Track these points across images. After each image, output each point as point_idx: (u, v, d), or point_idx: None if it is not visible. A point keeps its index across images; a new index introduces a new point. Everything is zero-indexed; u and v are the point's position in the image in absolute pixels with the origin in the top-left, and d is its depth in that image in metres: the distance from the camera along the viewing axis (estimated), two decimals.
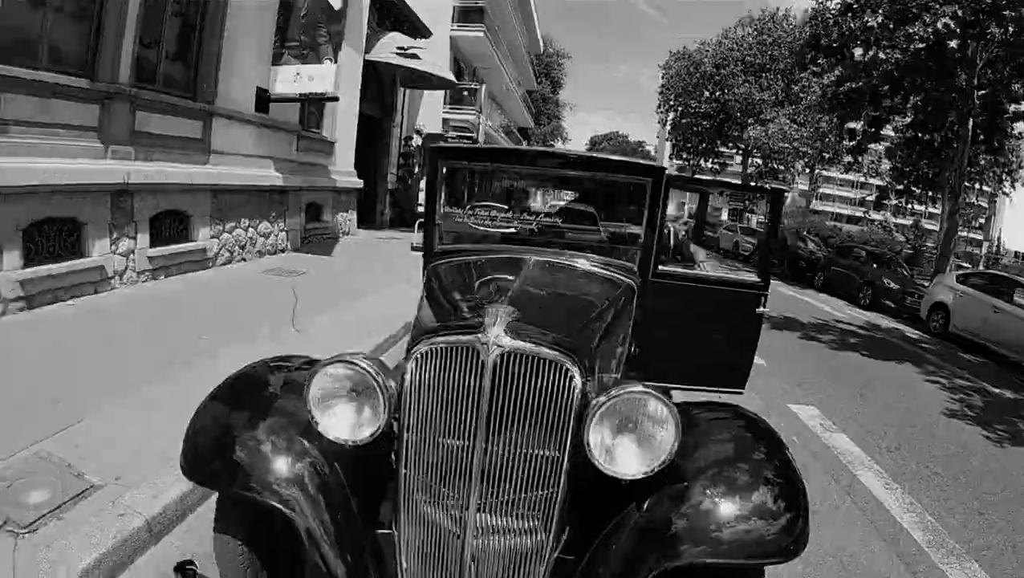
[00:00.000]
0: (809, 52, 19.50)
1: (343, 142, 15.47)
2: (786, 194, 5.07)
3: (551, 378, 2.09)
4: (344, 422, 2.21)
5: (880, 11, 15.83)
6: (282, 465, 2.22)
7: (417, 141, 22.48)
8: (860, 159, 23.33)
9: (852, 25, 16.32)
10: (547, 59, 63.38)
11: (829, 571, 3.93)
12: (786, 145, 34.55)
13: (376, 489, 2.40)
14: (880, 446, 6.38)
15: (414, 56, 17.76)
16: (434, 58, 20.05)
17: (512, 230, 4.26)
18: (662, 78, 43.90)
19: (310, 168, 13.62)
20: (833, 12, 17.15)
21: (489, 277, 3.38)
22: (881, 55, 16.08)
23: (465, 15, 30.44)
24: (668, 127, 45.71)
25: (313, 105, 13.38)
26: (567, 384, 2.10)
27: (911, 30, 14.51)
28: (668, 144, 49.51)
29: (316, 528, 2.14)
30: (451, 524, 2.15)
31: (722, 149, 43.80)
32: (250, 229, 11.23)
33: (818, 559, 4.01)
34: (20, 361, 5.33)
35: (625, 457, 2.07)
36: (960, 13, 14.43)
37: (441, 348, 2.16)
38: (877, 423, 7.14)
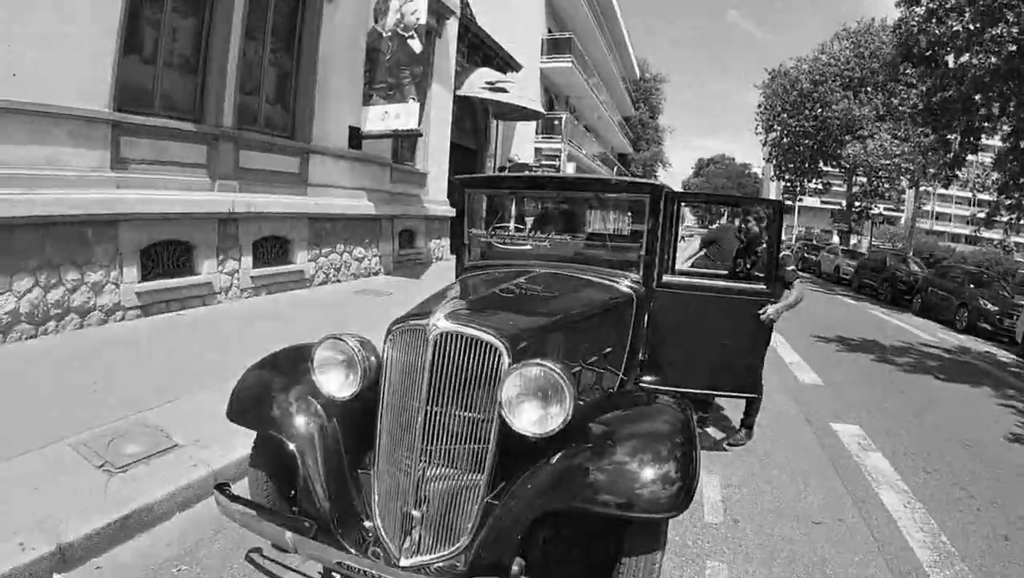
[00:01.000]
0: (901, 62, 18.73)
1: (435, 173, 16.53)
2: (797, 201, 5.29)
3: (482, 355, 2.76)
4: (334, 383, 3.03)
5: (965, 14, 15.15)
6: (296, 414, 3.06)
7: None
8: (958, 173, 21.78)
9: (938, 31, 15.67)
10: (644, 84, 63.17)
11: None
12: (887, 162, 32.86)
13: (365, 440, 3.09)
14: (917, 467, 5.98)
15: (502, 90, 18.75)
16: (524, 90, 21.03)
17: (527, 246, 5.01)
18: (761, 96, 43.08)
19: (403, 198, 14.70)
20: (918, 19, 16.51)
21: (492, 285, 4.02)
22: (974, 60, 15.24)
23: (554, 46, 31.50)
24: (768, 148, 44.51)
25: (404, 140, 14.45)
26: (495, 360, 2.75)
27: (995, 31, 13.90)
28: (771, 166, 48.42)
29: (314, 464, 2.92)
30: (408, 470, 2.82)
31: (826, 168, 42.20)
32: (345, 254, 12.35)
33: (804, 568, 3.92)
34: (135, 355, 6.50)
35: (530, 418, 2.66)
36: None
37: (401, 330, 2.93)
38: (922, 444, 6.68)
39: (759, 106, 43.41)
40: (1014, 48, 13.97)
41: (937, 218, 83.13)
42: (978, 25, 14.80)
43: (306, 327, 7.59)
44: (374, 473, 2.98)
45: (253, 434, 3.36)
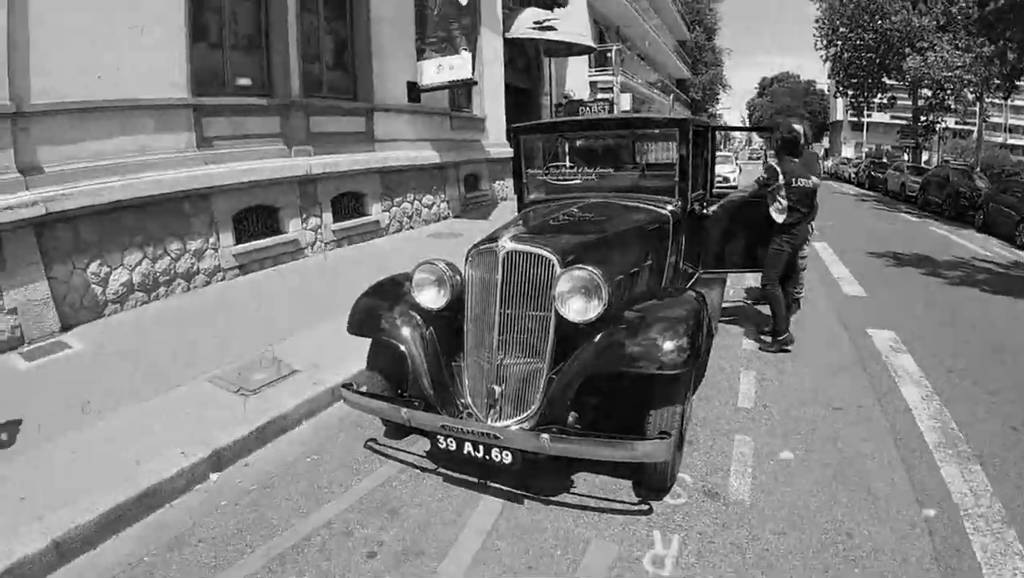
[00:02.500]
0: None
1: (493, 117, 17.05)
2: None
3: (539, 265, 3.65)
4: (429, 297, 4.00)
5: None
6: (402, 324, 4.01)
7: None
8: (1018, 84, 20.23)
9: None
10: (696, 6, 60.71)
11: (825, 455, 4.29)
12: (949, 74, 30.78)
13: (455, 340, 3.99)
14: (942, 367, 6.12)
15: (551, 28, 18.90)
16: (573, 25, 21.07)
17: (578, 181, 5.81)
18: (817, 10, 41.02)
19: (464, 144, 15.32)
20: None
21: (548, 214, 4.94)
22: None
23: None
24: (828, 63, 42.41)
25: (460, 89, 14.94)
26: (549, 269, 3.62)
27: None
28: (831, 82, 46.35)
29: (419, 358, 3.85)
30: (489, 359, 3.70)
31: (890, 82, 39.91)
32: (415, 202, 13.15)
33: (819, 442, 4.45)
34: (243, 307, 7.52)
35: (576, 309, 3.52)
36: None
37: (477, 251, 3.86)
38: (952, 348, 6.72)
39: (816, 20, 41.43)
40: None
41: (1011, 131, 77.25)
42: None
43: (387, 269, 8.37)
44: (464, 364, 3.89)
45: (358, 359, 4.44)
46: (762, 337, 6.61)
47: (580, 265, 3.51)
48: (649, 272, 4.93)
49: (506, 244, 3.68)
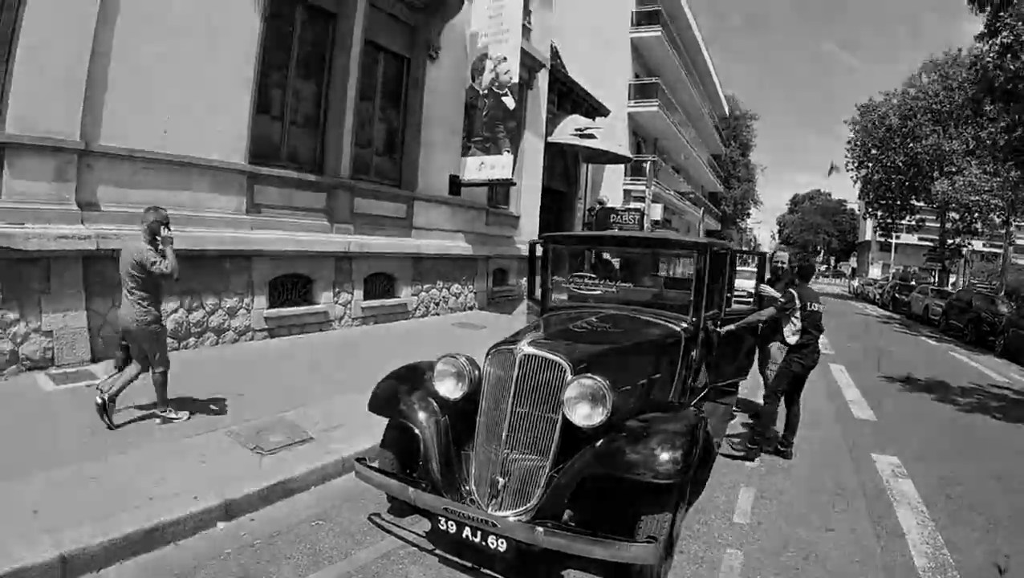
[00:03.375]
0: (982, 97, 18.05)
1: (527, 215, 17.56)
2: (766, 247, 6.67)
3: (552, 370, 3.89)
4: (447, 387, 4.23)
5: None
6: (419, 409, 4.21)
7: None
8: None
9: (1012, 67, 15.13)
10: (733, 122, 62.83)
11: (812, 574, 4.28)
12: (976, 198, 31.37)
13: (467, 430, 4.14)
14: (941, 493, 6.04)
15: (591, 136, 19.68)
16: (612, 134, 21.95)
17: (599, 292, 6.10)
18: (851, 132, 42.30)
19: (497, 239, 15.74)
20: (993, 55, 15.82)
21: (567, 322, 5.26)
22: None
23: (641, 91, 32.57)
24: (858, 185, 43.44)
25: (498, 187, 15.52)
26: (561, 374, 3.86)
27: None
28: (861, 202, 47.33)
29: (431, 443, 4.03)
30: (496, 451, 3.88)
31: (918, 204, 40.65)
32: (444, 289, 13.42)
33: (808, 562, 4.41)
34: (267, 369, 7.68)
35: (582, 414, 3.71)
36: None
37: (497, 351, 4.10)
38: (954, 475, 6.62)
39: (849, 142, 42.59)
40: None
41: None
42: None
43: (409, 352, 8.56)
44: (473, 454, 4.04)
45: (371, 435, 4.73)
46: (778, 448, 6.61)
47: (589, 374, 3.72)
48: (658, 385, 5.13)
49: (524, 347, 3.95)
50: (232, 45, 8.68)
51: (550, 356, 3.89)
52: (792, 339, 6.44)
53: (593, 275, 6.56)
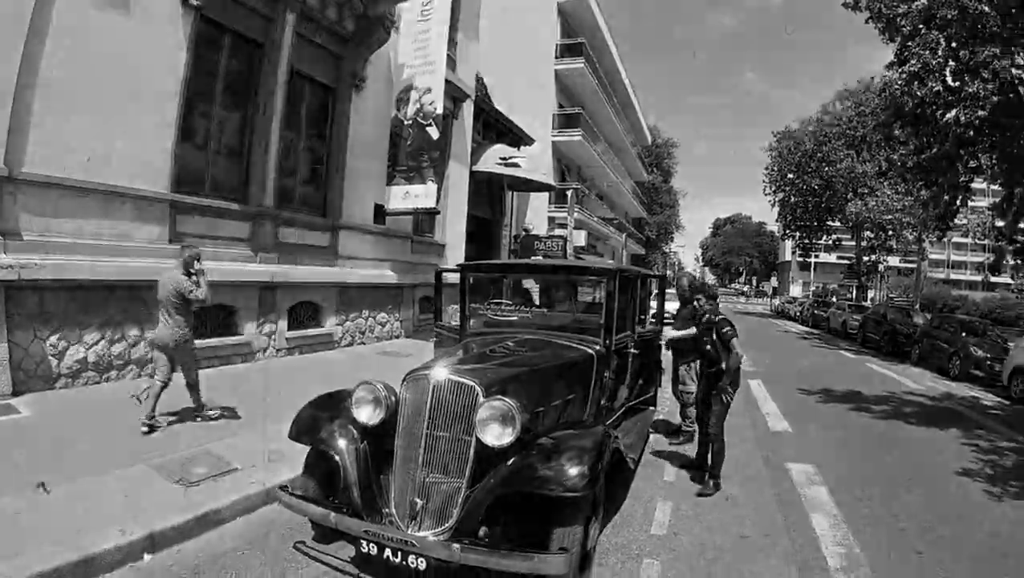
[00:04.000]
0: (893, 122, 18.86)
1: (453, 243, 17.74)
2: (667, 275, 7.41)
3: (465, 394, 4.08)
4: (365, 414, 4.35)
5: (945, 74, 15.74)
6: (339, 435, 4.32)
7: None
8: (951, 225, 22.08)
9: (919, 93, 15.88)
10: (656, 150, 64.85)
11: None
12: (890, 217, 33.45)
13: (386, 454, 4.26)
14: (854, 497, 6.35)
15: (516, 165, 20.04)
16: (537, 163, 22.36)
17: (515, 318, 6.35)
18: (768, 158, 44.23)
19: (423, 267, 15.81)
20: (901, 82, 16.65)
21: (483, 347, 5.45)
22: (960, 116, 15.68)
23: (565, 120, 33.45)
24: (776, 208, 45.52)
25: (424, 215, 15.65)
26: (473, 397, 4.06)
27: (972, 89, 14.45)
28: (779, 225, 49.57)
29: (351, 468, 4.16)
30: (414, 474, 4.02)
31: (834, 224, 42.88)
32: (370, 319, 13.44)
33: (722, 568, 4.66)
34: (190, 400, 7.51)
35: (493, 434, 3.91)
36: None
37: (413, 378, 4.25)
38: (867, 479, 7.01)
39: (766, 168, 44.56)
40: (995, 99, 14.47)
41: (953, 266, 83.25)
42: (957, 83, 15.37)
43: (333, 382, 8.57)
44: (392, 477, 4.16)
45: (294, 464, 4.75)
46: (704, 485, 6.75)
47: (500, 396, 3.95)
48: (572, 405, 5.38)
49: (438, 373, 4.13)
50: (157, 73, 8.63)
51: (463, 380, 4.09)
52: (738, 361, 6.51)
53: (510, 302, 6.81)
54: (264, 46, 10.56)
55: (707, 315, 6.68)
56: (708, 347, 6.56)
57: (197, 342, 8.98)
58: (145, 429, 6.15)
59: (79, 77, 7.57)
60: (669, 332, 7.88)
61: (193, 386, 6.79)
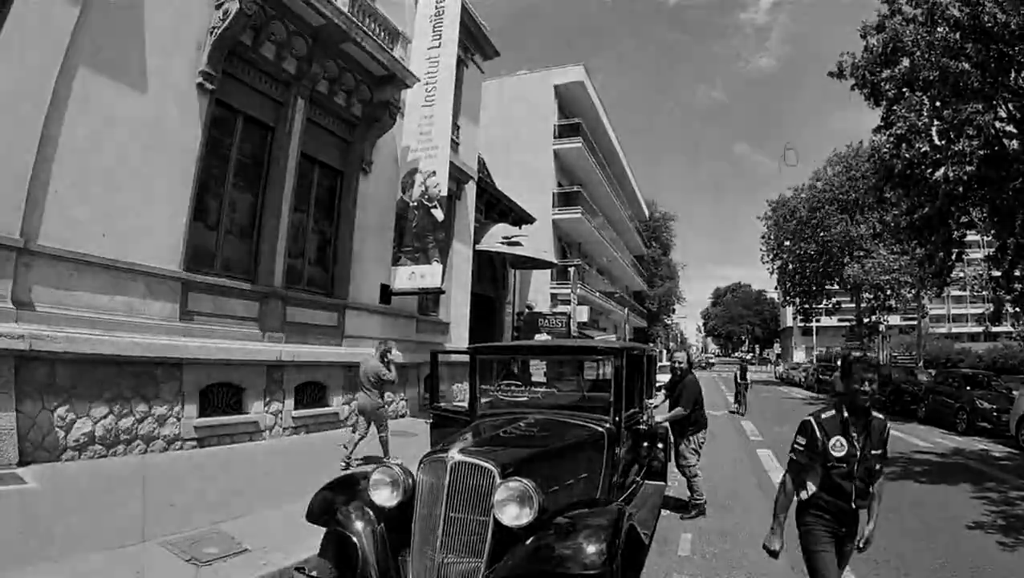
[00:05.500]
0: (883, 185, 19.27)
1: (457, 322, 17.81)
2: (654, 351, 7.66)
3: (482, 476, 4.07)
4: (383, 496, 4.32)
5: (929, 135, 16.06)
6: (356, 517, 4.28)
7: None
8: (948, 280, 22.11)
9: (907, 155, 16.43)
10: (653, 224, 65.62)
11: None
12: (887, 277, 33.59)
13: (404, 536, 4.22)
14: (868, 555, 5.88)
15: (518, 244, 20.36)
16: (538, 241, 22.73)
17: (526, 398, 6.44)
18: (764, 226, 44.72)
19: (428, 346, 15.75)
20: (889, 146, 17.18)
21: (495, 428, 5.48)
22: (949, 173, 15.90)
23: (564, 198, 34.16)
24: (775, 275, 45.81)
25: (429, 295, 15.81)
26: (490, 479, 4.04)
27: (958, 147, 14.69)
28: (778, 292, 49.81)
29: (368, 551, 4.11)
30: (432, 556, 3.99)
31: (833, 288, 43.02)
32: None
33: None
34: (199, 479, 7.47)
35: (511, 515, 3.88)
36: (1009, 111, 14.75)
37: (429, 460, 4.25)
38: (880, 537, 6.96)
39: (763, 237, 44.99)
40: (982, 154, 14.74)
41: (954, 320, 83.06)
42: (943, 142, 15.65)
43: (341, 463, 8.55)
44: (410, 559, 4.12)
45: (308, 545, 4.67)
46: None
47: (517, 477, 3.94)
48: (585, 483, 5.36)
49: (454, 455, 4.13)
50: (173, 154, 8.92)
51: (479, 462, 4.09)
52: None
53: (519, 382, 6.88)
54: (275, 129, 10.94)
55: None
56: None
57: (205, 421, 9.14)
58: (343, 465, 8.37)
59: (96, 154, 7.85)
60: (660, 415, 7.96)
61: (384, 442, 9.05)
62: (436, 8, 14.87)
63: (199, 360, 9.01)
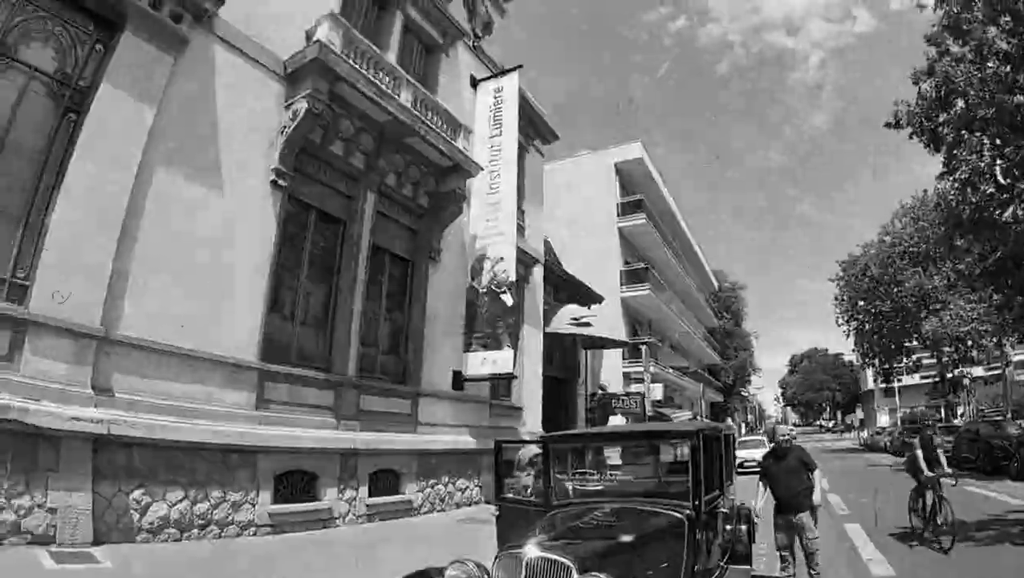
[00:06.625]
0: (954, 231, 18.45)
1: (530, 406, 17.65)
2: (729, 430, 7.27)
3: (559, 571, 4.00)
4: None
5: (993, 175, 15.30)
6: None
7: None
8: None
9: (974, 199, 15.86)
10: (723, 294, 64.20)
11: None
12: (966, 328, 31.76)
13: None
14: None
15: (587, 324, 20.32)
16: (608, 320, 22.60)
17: (600, 486, 6.28)
18: (836, 288, 43.35)
19: (501, 431, 15.64)
20: (955, 192, 16.78)
21: (571, 520, 5.36)
22: (1019, 212, 15.16)
23: (632, 276, 34.12)
24: (852, 337, 43.94)
25: (500, 380, 15.77)
26: (568, 574, 3.96)
27: (1022, 186, 14.08)
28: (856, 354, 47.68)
29: None
30: None
31: (912, 344, 40.89)
32: (449, 485, 13.25)
33: None
34: (273, 564, 7.56)
35: None
36: None
37: (505, 556, 4.27)
38: None
39: (836, 298, 43.55)
40: None
41: None
42: (1008, 181, 14.96)
43: (417, 552, 8.41)
44: None
45: None
46: None
47: (594, 574, 3.85)
48: (666, 573, 5.11)
49: (530, 550, 4.11)
50: (249, 248, 9.40)
51: (556, 557, 4.01)
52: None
53: (593, 470, 6.72)
54: (346, 222, 11.40)
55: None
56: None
57: (279, 507, 9.21)
58: None
59: (174, 249, 8.34)
60: (753, 503, 7.56)
61: None
62: (495, 98, 15.46)
63: (274, 448, 9.17)
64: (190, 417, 8.13)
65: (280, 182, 9.90)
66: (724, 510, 6.59)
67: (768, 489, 7.51)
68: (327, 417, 10.38)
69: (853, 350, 47.42)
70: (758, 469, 7.95)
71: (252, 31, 9.88)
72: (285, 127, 10.05)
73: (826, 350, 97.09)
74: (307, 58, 10.05)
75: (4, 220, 7.13)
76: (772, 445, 7.99)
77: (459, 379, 14.02)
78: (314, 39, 10.26)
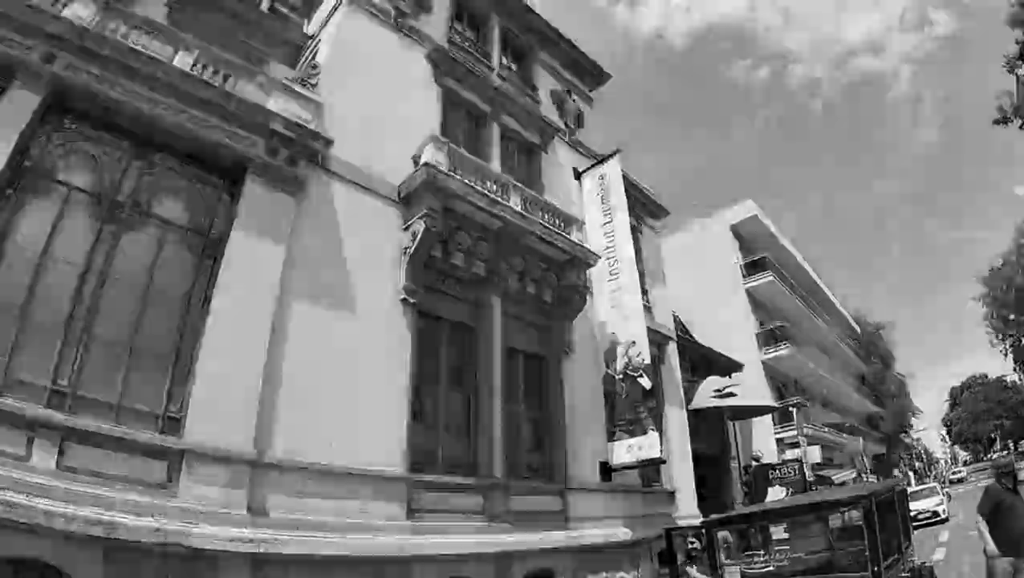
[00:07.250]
0: None
1: (682, 488, 17.03)
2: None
3: None
4: None
5: None
6: None
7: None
8: None
9: None
10: (866, 338, 60.11)
11: None
12: None
13: None
14: None
15: (731, 394, 19.61)
16: (751, 387, 21.73)
17: (771, 568, 6.06)
18: (981, 307, 39.83)
19: (654, 518, 15.16)
20: None
21: None
22: None
23: (769, 337, 32.77)
24: (1009, 355, 39.82)
25: (648, 465, 15.36)
26: None
27: None
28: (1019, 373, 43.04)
29: None
30: None
31: None
32: None
33: None
34: None
35: None
36: None
37: None
38: None
39: (984, 317, 40.03)
40: None
41: None
42: None
43: None
44: None
45: None
46: None
47: None
48: None
49: None
50: (387, 365, 9.90)
51: None
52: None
53: (761, 551, 6.44)
54: (476, 329, 11.78)
55: None
56: None
57: None
58: None
59: (316, 372, 8.93)
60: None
61: None
62: (600, 184, 15.84)
63: (428, 556, 9.25)
64: (343, 531, 8.42)
65: (410, 299, 10.50)
66: (905, 575, 6.09)
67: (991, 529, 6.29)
68: (477, 521, 10.45)
69: (1014, 369, 43.35)
70: (977, 515, 6.82)
71: (363, 163, 10.83)
72: (407, 248, 10.72)
73: (985, 376, 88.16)
74: (418, 181, 10.78)
75: (156, 360, 7.93)
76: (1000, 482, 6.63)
77: (606, 469, 13.80)
78: (421, 162, 10.98)
